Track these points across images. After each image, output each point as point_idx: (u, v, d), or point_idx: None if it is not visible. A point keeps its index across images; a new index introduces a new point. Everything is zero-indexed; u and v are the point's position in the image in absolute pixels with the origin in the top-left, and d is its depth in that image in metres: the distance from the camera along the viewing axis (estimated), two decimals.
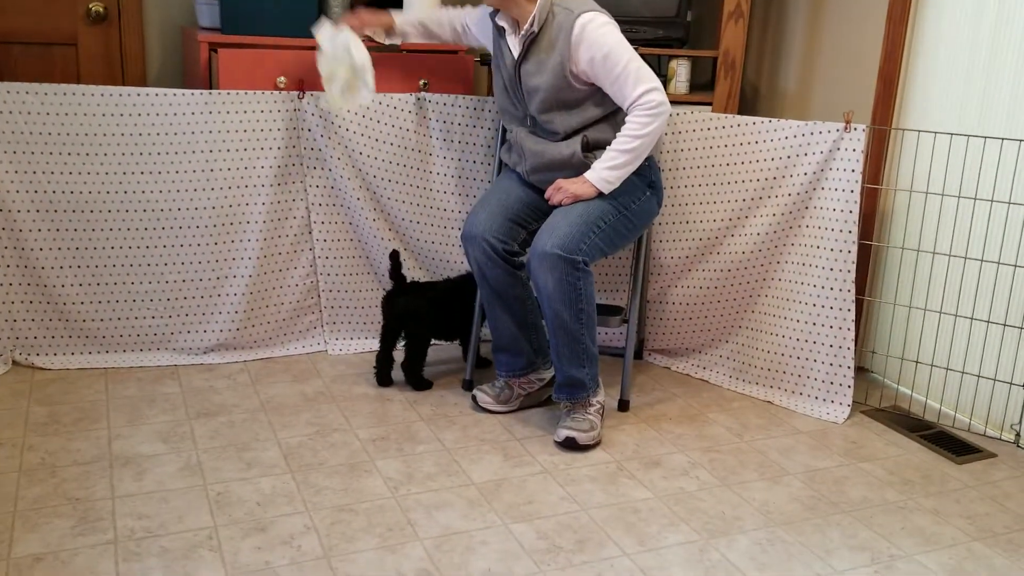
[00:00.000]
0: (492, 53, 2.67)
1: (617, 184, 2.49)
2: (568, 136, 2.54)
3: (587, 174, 2.48)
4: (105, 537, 1.98)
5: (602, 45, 2.41)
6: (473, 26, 2.77)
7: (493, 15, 2.61)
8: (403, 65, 3.07)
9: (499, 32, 2.59)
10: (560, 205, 2.50)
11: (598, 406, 2.56)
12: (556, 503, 2.22)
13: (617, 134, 2.46)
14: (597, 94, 2.50)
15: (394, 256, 2.79)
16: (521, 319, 2.64)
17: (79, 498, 2.13)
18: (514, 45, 2.54)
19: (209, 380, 2.80)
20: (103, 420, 2.51)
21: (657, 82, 2.44)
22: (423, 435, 2.53)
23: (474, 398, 2.71)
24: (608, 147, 2.47)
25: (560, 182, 2.51)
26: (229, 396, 2.70)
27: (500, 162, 2.87)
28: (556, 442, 2.50)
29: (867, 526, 2.19)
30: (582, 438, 2.48)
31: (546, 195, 2.54)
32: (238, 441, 2.44)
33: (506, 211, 2.60)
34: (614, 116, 2.53)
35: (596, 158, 2.50)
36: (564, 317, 2.43)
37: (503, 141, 2.80)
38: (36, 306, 2.80)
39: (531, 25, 2.46)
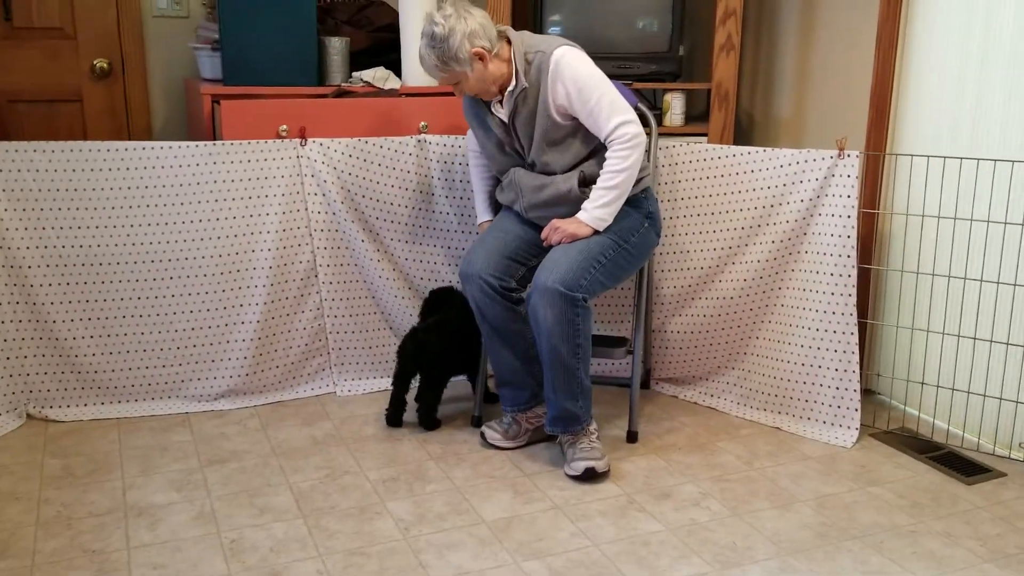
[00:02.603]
0: (474, 127, 2.69)
1: (611, 220, 2.52)
2: (565, 172, 2.58)
3: (580, 215, 2.52)
4: None
5: (576, 79, 2.46)
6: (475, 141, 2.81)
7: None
8: (403, 108, 3.13)
9: (478, 101, 2.63)
10: (557, 245, 2.53)
11: (596, 433, 2.59)
12: (567, 539, 2.23)
13: (601, 171, 2.51)
14: (580, 130, 2.55)
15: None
16: (523, 353, 2.66)
17: (95, 550, 2.15)
18: (501, 108, 2.58)
19: (220, 427, 2.83)
20: (117, 470, 2.54)
21: (631, 114, 2.49)
22: (433, 474, 2.55)
23: (483, 435, 2.73)
24: (594, 187, 2.51)
25: (556, 222, 2.55)
26: (240, 442, 2.73)
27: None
28: (573, 476, 2.51)
29: (878, 551, 2.19)
30: (600, 466, 2.50)
31: (542, 235, 2.58)
32: (250, 487, 2.46)
33: (504, 249, 2.63)
34: (603, 150, 2.57)
35: None
36: (561, 352, 2.46)
37: (497, 182, 2.83)
38: (48, 359, 2.84)
39: (518, 80, 2.51)
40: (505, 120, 2.59)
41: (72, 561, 2.10)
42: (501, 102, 2.58)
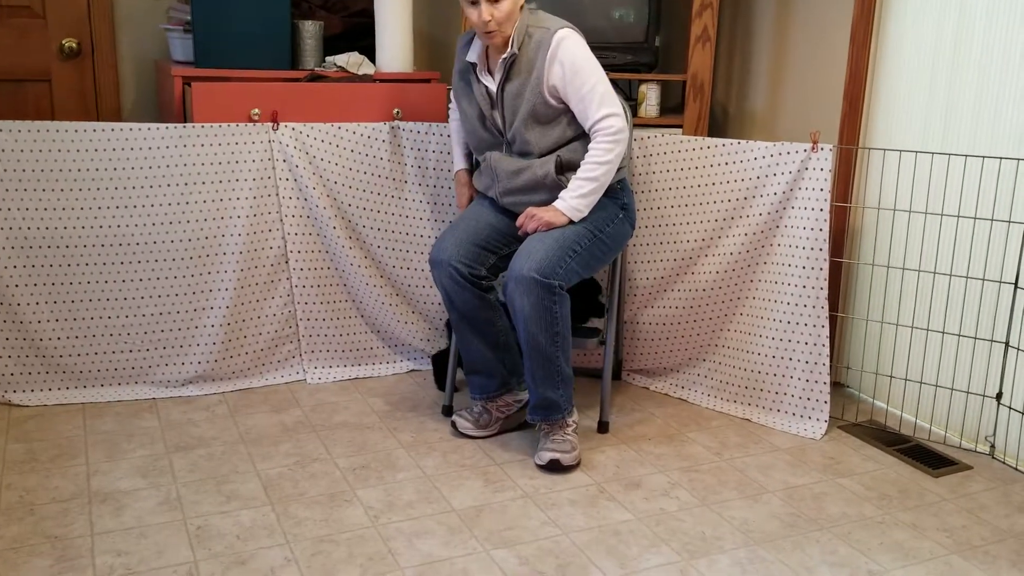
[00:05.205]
0: (459, 98, 2.67)
1: (587, 211, 2.52)
2: (542, 155, 2.57)
3: (557, 203, 2.51)
4: (84, 575, 1.97)
5: (574, 62, 2.46)
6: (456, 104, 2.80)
7: (464, 49, 2.63)
8: (377, 95, 3.10)
9: (469, 68, 2.62)
10: (532, 233, 2.53)
11: (574, 426, 2.58)
12: (537, 528, 2.22)
13: (582, 162, 2.50)
14: (568, 114, 2.54)
15: None
16: (492, 341, 2.65)
17: (58, 536, 2.11)
18: (489, 77, 2.58)
19: (187, 413, 2.80)
20: (81, 456, 2.50)
21: (619, 108, 2.49)
22: (403, 463, 2.53)
23: (453, 424, 2.71)
24: (574, 176, 2.51)
25: (531, 210, 2.54)
26: (208, 428, 2.70)
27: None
28: (539, 465, 2.51)
29: (846, 542, 2.21)
30: (566, 459, 2.49)
31: (518, 223, 2.57)
32: (217, 474, 2.43)
33: (474, 236, 2.62)
34: (586, 137, 2.56)
35: (569, 180, 2.53)
36: (540, 340, 2.45)
37: (475, 166, 2.82)
38: (12, 343, 2.79)
39: (512, 47, 2.50)
40: (492, 89, 2.57)
41: (34, 547, 2.07)
42: (490, 71, 2.57)
